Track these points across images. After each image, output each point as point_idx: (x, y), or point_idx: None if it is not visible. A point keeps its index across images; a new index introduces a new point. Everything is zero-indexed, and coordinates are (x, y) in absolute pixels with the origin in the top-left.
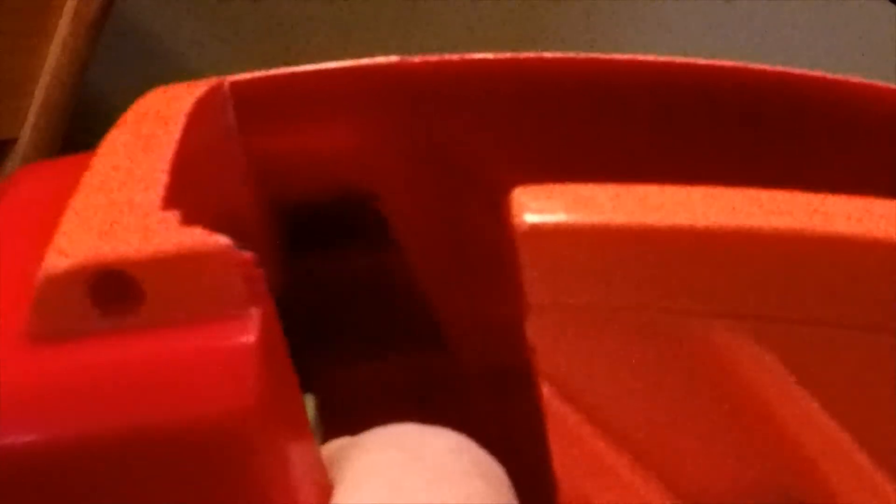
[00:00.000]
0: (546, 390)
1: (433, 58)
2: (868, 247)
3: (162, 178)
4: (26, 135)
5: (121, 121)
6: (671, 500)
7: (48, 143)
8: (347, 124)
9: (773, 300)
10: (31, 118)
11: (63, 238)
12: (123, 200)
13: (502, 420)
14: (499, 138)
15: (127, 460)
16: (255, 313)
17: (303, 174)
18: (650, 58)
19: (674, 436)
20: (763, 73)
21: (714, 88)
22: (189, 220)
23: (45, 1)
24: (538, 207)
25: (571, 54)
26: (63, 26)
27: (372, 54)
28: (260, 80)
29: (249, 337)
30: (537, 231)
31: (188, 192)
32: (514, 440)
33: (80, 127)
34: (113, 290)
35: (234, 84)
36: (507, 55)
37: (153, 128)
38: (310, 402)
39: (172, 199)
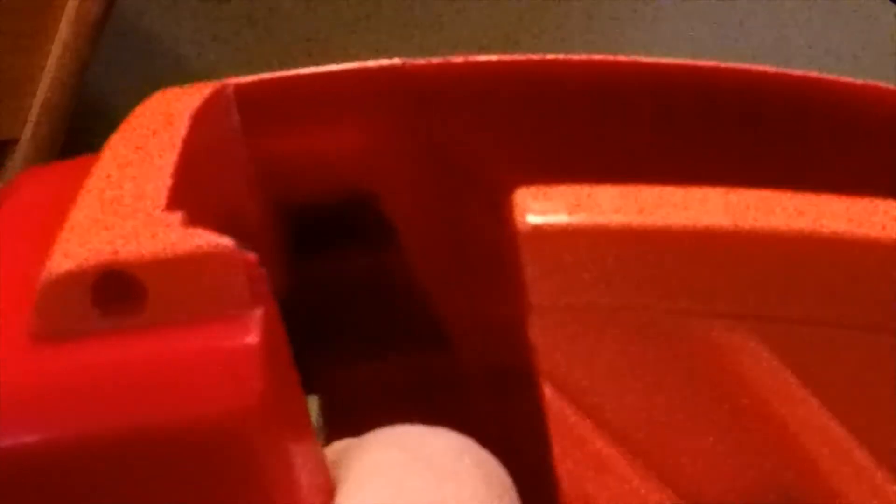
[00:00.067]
0: (548, 390)
1: (436, 60)
2: (868, 247)
3: (166, 179)
4: (27, 135)
5: (124, 123)
6: (672, 500)
7: (49, 143)
8: (351, 126)
9: (774, 300)
10: (31, 118)
11: (67, 239)
12: (127, 202)
13: (502, 420)
14: (499, 139)
15: (129, 460)
16: (257, 314)
17: (306, 176)
18: (650, 59)
19: (675, 435)
20: (763, 74)
21: (714, 89)
22: (193, 221)
23: (46, 1)
24: (540, 208)
25: (572, 56)
26: (64, 26)
27: (374, 54)
28: (264, 82)
29: (252, 337)
30: (539, 232)
31: (192, 194)
32: (515, 440)
33: (81, 127)
34: (116, 290)
35: (238, 86)
36: (509, 57)
37: (157, 130)
38: (313, 404)
39: (176, 200)
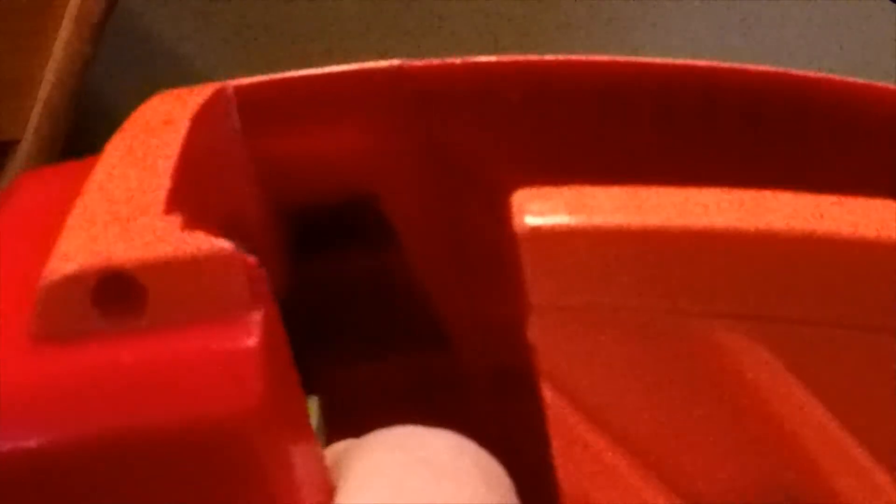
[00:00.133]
0: (547, 391)
1: (435, 61)
2: (868, 247)
3: (165, 182)
4: (28, 136)
5: (124, 125)
6: (672, 500)
7: (50, 144)
8: (350, 127)
9: (774, 300)
10: (33, 119)
11: (67, 241)
12: (127, 204)
13: (502, 420)
14: (499, 139)
15: (129, 462)
16: (257, 316)
17: (306, 177)
18: (650, 59)
19: (675, 436)
20: (763, 73)
21: (714, 89)
22: (193, 223)
23: (47, 1)
24: (539, 209)
25: (572, 56)
26: (65, 26)
27: (376, 55)
28: (263, 83)
29: (252, 340)
30: (538, 233)
31: (192, 196)
32: (515, 440)
33: (81, 127)
34: (116, 292)
35: (238, 88)
36: (508, 57)
37: (156, 132)
38: (314, 404)
39: (176, 203)
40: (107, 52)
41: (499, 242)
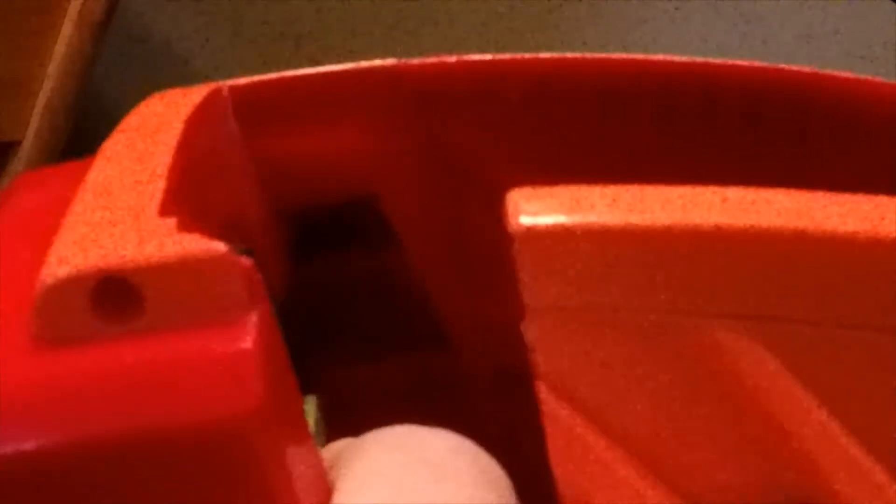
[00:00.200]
0: (544, 391)
1: (431, 59)
2: (867, 245)
3: (160, 184)
4: (30, 137)
5: (119, 127)
6: (671, 499)
7: (51, 145)
8: (348, 127)
9: (771, 300)
10: (34, 120)
11: (62, 245)
12: (122, 207)
13: (502, 420)
14: (499, 138)
15: (127, 464)
16: (253, 318)
17: (305, 177)
18: (649, 57)
19: (673, 435)
20: (762, 70)
21: (714, 87)
22: (188, 225)
23: (49, 2)
24: (533, 209)
25: (570, 55)
26: (67, 27)
27: (378, 55)
28: (259, 84)
29: (248, 342)
30: (533, 233)
31: (188, 198)
32: (515, 440)
33: (81, 127)
34: (113, 295)
35: (233, 88)
36: (506, 56)
37: (151, 134)
38: (312, 403)
39: (172, 204)
40: (107, 52)
41: (499, 242)
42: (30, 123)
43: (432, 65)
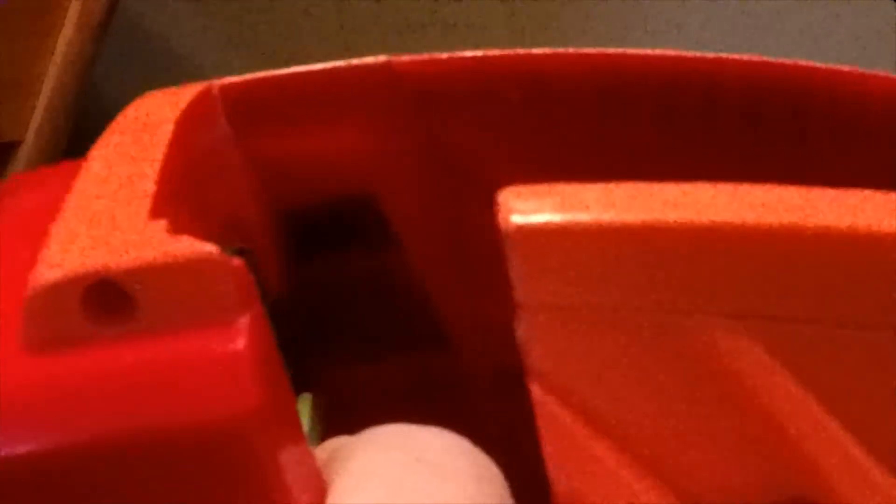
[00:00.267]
0: (537, 390)
1: (423, 56)
2: (866, 242)
3: (150, 186)
4: (30, 137)
5: (109, 129)
6: (667, 497)
7: (52, 145)
8: (341, 125)
9: (766, 298)
10: (34, 120)
11: (53, 248)
12: (112, 210)
13: (502, 420)
14: (498, 136)
15: (120, 468)
16: (245, 319)
17: (301, 176)
18: (648, 51)
19: (669, 434)
20: (762, 64)
21: (713, 81)
22: (179, 227)
23: (49, 2)
24: (525, 208)
25: (568, 50)
26: (67, 27)
27: (377, 54)
28: (249, 82)
29: (240, 344)
30: (525, 232)
31: (179, 199)
32: (515, 440)
33: (82, 127)
34: (104, 298)
35: (223, 87)
36: (501, 52)
37: (141, 135)
38: (307, 401)
39: (162, 206)
40: (107, 52)
41: (499, 242)
42: (30, 124)
43: (422, 61)
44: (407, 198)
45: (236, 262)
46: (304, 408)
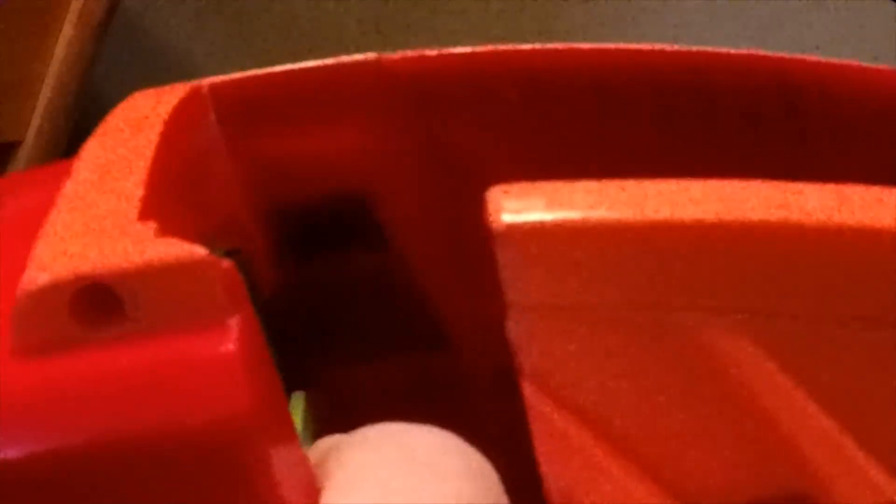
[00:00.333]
0: (529, 389)
1: (412, 53)
2: (860, 237)
3: (139, 188)
4: (30, 137)
5: (98, 129)
6: (659, 495)
7: (52, 145)
8: (330, 123)
9: (758, 294)
10: (35, 120)
11: (42, 252)
12: (101, 213)
13: (502, 420)
14: (495, 134)
15: (112, 470)
16: (235, 321)
17: (291, 174)
18: (645, 46)
19: (661, 432)
20: (759, 58)
21: (711, 75)
22: (168, 229)
23: (49, 2)
24: (514, 207)
25: (565, 45)
26: (67, 27)
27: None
28: (238, 81)
29: (229, 345)
30: (513, 231)
31: (169, 200)
32: (514, 440)
33: (82, 127)
34: (93, 302)
35: (213, 87)
36: (498, 47)
37: (130, 136)
38: (300, 400)
39: (151, 208)
40: (107, 52)
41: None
42: (30, 124)
43: (416, 58)
44: (404, 196)
45: (225, 263)
46: (298, 407)
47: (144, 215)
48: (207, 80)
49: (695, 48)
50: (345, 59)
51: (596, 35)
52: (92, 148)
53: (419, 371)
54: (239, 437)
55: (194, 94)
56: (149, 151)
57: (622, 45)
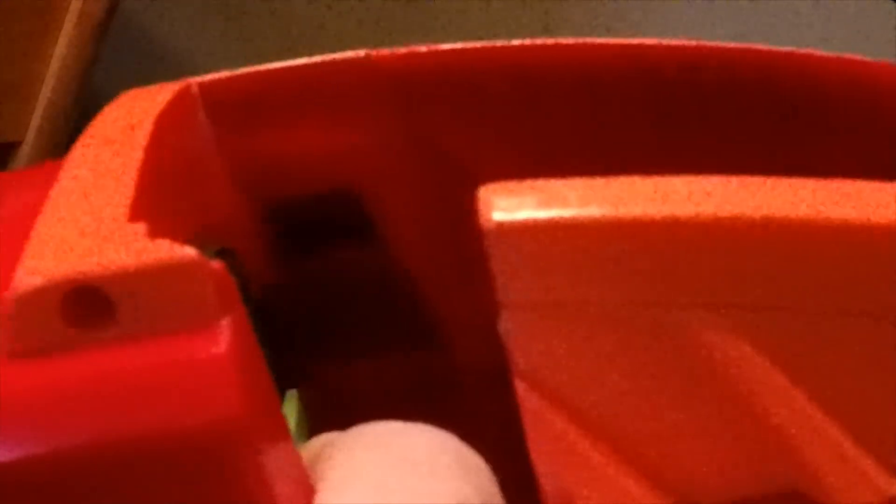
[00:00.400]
0: (522, 387)
1: (401, 50)
2: (848, 231)
3: (129, 188)
4: (30, 138)
5: (88, 129)
6: (654, 492)
7: (52, 145)
8: (321, 120)
9: (749, 289)
10: (35, 121)
11: (32, 254)
12: (91, 214)
13: (498, 419)
14: (486, 131)
15: (104, 473)
16: (226, 322)
17: (283, 172)
18: (633, 41)
19: (654, 429)
20: (748, 52)
21: (700, 69)
22: (159, 230)
23: (49, 2)
24: (506, 205)
25: (544, 40)
26: (67, 28)
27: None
28: (229, 79)
29: (221, 346)
30: (505, 229)
31: (159, 200)
32: (510, 439)
33: (82, 127)
34: (84, 304)
35: (203, 85)
36: (476, 44)
37: (120, 136)
38: (293, 398)
39: (141, 209)
40: (107, 52)
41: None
42: (30, 124)
43: (406, 55)
44: (396, 193)
45: (216, 265)
46: (292, 404)
47: (135, 216)
48: (197, 79)
49: (685, 42)
50: (335, 56)
51: (596, 34)
52: (81, 148)
53: (414, 369)
54: (231, 438)
55: (184, 93)
56: (139, 151)
57: (612, 40)
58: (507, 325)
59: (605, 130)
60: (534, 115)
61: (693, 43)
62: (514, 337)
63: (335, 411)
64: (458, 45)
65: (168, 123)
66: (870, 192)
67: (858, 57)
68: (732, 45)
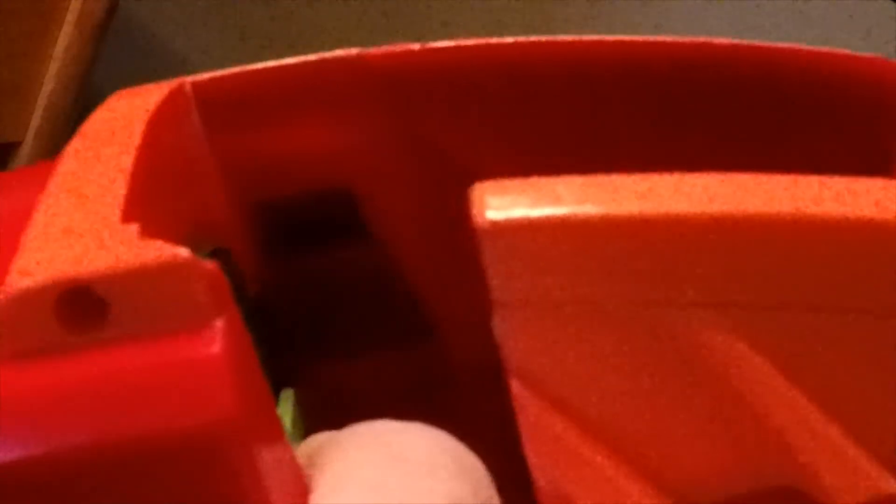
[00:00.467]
0: (516, 386)
1: (394, 48)
2: (843, 227)
3: (122, 188)
4: (30, 138)
5: (81, 129)
6: (648, 491)
7: (52, 146)
8: (315, 119)
9: (744, 286)
10: (34, 121)
11: (25, 255)
12: (84, 215)
13: (494, 418)
14: (480, 129)
15: (98, 474)
16: (220, 322)
17: (277, 171)
18: (625, 38)
19: (649, 427)
20: (742, 48)
21: (694, 66)
22: (152, 230)
23: (49, 3)
24: (499, 203)
25: (537, 37)
26: (67, 28)
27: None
28: (221, 79)
29: (215, 347)
30: (498, 227)
31: (152, 201)
32: (506, 438)
33: None
34: (77, 305)
35: (196, 84)
36: (469, 41)
37: (113, 136)
38: (289, 397)
39: (134, 209)
40: (107, 52)
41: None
42: (30, 125)
43: (399, 53)
44: (390, 192)
45: (209, 265)
46: (287, 404)
47: (128, 216)
48: (190, 78)
49: (682, 39)
50: (326, 54)
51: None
52: (74, 148)
53: (411, 368)
54: (225, 438)
55: (177, 92)
56: (131, 151)
57: (606, 37)
58: (501, 323)
59: (602, 128)
60: (529, 112)
61: (690, 39)
62: (508, 335)
63: (331, 410)
64: (451, 43)
65: (161, 123)
66: (870, 189)
67: (852, 52)
68: (729, 41)
